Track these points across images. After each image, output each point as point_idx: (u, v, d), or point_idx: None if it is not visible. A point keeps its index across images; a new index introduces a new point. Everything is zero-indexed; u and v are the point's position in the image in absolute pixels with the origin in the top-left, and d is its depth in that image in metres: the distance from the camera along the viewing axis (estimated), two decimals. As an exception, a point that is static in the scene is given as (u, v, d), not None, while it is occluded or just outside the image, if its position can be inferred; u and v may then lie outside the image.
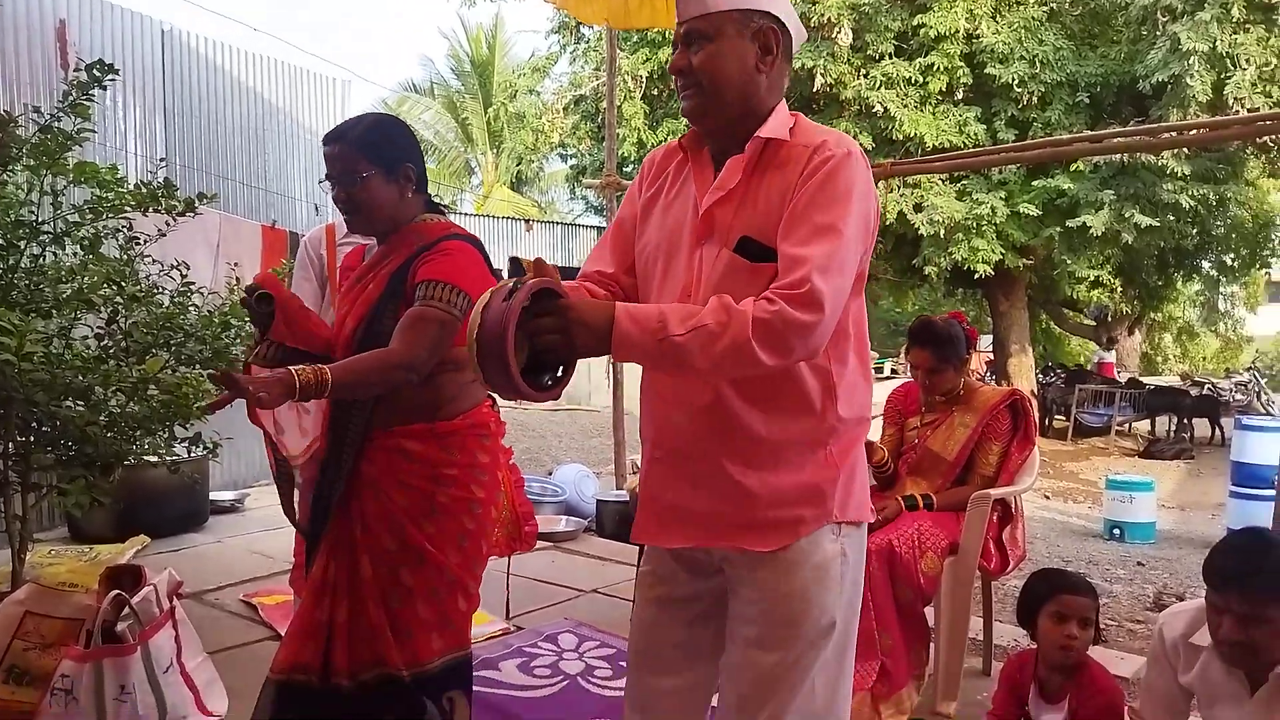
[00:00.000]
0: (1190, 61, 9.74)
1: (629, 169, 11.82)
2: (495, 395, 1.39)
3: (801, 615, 1.55)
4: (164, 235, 3.44)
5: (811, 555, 1.55)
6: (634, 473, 5.61)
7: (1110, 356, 20.04)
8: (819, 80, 11.32)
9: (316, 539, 2.09)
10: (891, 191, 11.25)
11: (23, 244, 3.22)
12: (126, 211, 3.35)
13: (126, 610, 2.46)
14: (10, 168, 3.17)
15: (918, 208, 11.53)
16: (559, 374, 1.46)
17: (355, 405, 2.04)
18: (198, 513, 5.34)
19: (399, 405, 2.01)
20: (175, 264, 3.52)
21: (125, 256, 3.43)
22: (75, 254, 3.39)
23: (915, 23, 11.23)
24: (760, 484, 1.54)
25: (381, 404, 2.02)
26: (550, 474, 6.71)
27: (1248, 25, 9.72)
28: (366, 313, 2.06)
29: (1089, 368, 19.77)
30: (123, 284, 3.28)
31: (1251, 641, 1.85)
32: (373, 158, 2.03)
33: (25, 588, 2.71)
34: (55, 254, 3.36)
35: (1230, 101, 9.72)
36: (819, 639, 1.56)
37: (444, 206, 2.24)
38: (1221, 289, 19.08)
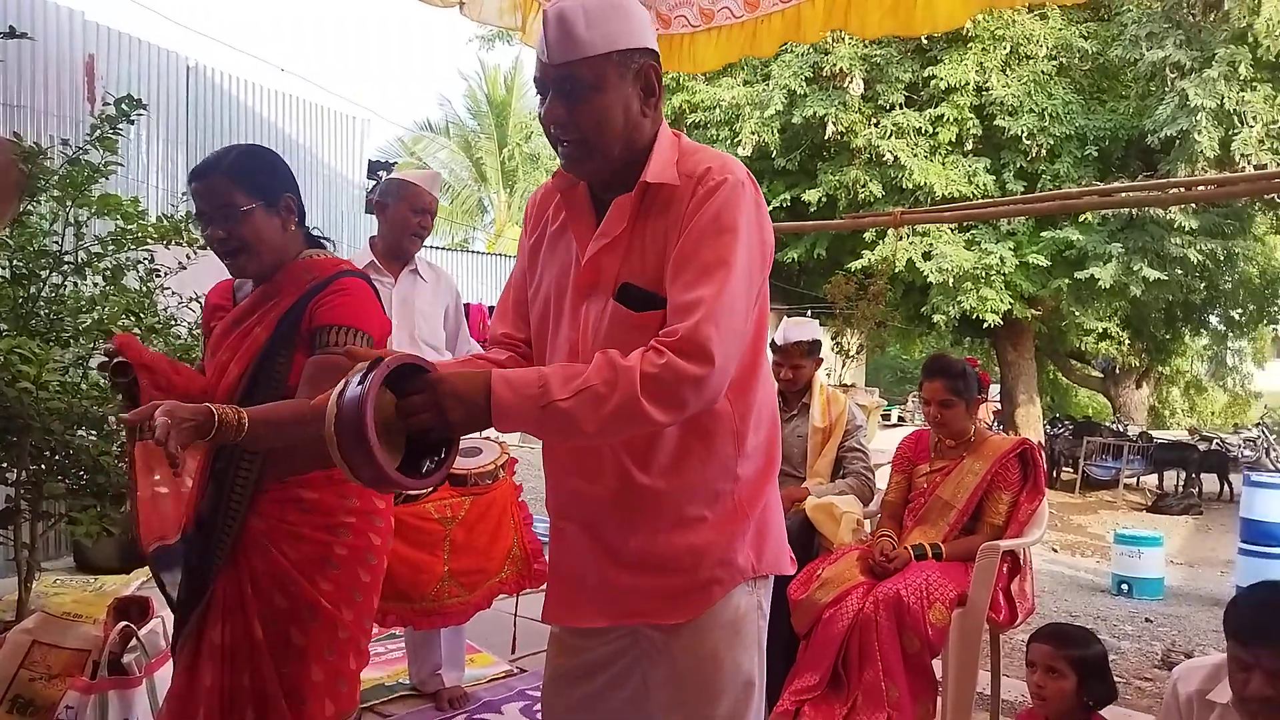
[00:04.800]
0: (1198, 118, 9.84)
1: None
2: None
3: (716, 678, 1.47)
4: (184, 268, 3.48)
5: (723, 614, 1.47)
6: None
7: None
8: (830, 128, 11.45)
9: (190, 605, 1.89)
10: (901, 239, 11.33)
11: (44, 273, 3.26)
12: (148, 244, 3.40)
13: (133, 642, 2.46)
14: (36, 198, 3.22)
15: (926, 256, 11.60)
16: (442, 456, 1.33)
17: (242, 459, 1.88)
18: (203, 545, 5.33)
19: (296, 454, 1.83)
20: (195, 296, 3.55)
21: (145, 288, 3.48)
22: (96, 285, 3.44)
23: (926, 74, 11.39)
24: (668, 549, 1.45)
25: (276, 454, 1.85)
26: (556, 514, 6.67)
27: (1255, 84, 9.85)
28: (254, 358, 1.88)
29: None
30: (141, 315, 3.32)
31: None
32: (251, 190, 1.86)
33: (34, 616, 2.71)
34: (76, 284, 3.40)
35: (1238, 158, 9.81)
36: (739, 701, 1.48)
37: (325, 239, 2.09)
38: (1229, 344, 19.10)
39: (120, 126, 3.29)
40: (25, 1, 4.96)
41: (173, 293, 3.62)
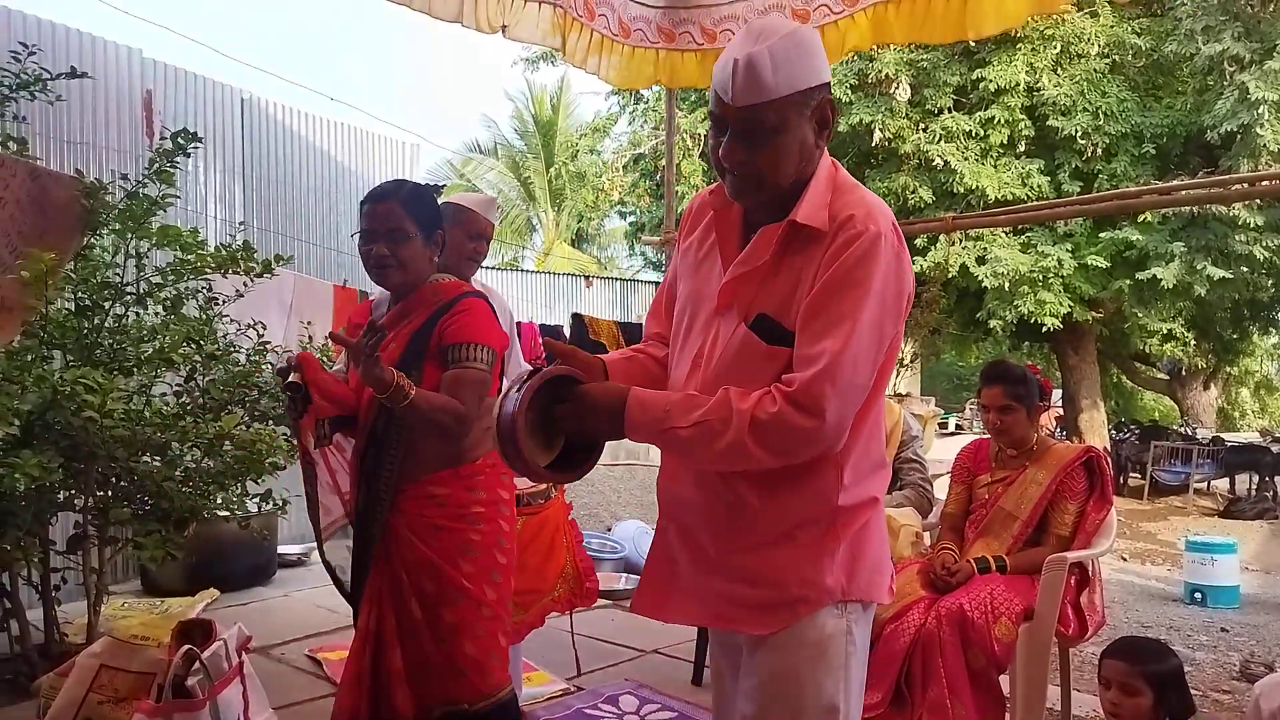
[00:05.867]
0: (1260, 111, 9.60)
1: (688, 225, 11.94)
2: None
3: (795, 696, 1.47)
4: (241, 296, 3.55)
5: (808, 634, 1.48)
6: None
7: None
8: (877, 135, 11.35)
9: (358, 590, 2.21)
10: (953, 244, 11.16)
11: (107, 304, 3.36)
12: (207, 273, 3.48)
13: (197, 665, 2.49)
14: (98, 232, 3.32)
15: (981, 260, 11.41)
16: (592, 453, 1.54)
17: (384, 461, 2.16)
18: (266, 567, 5.42)
19: (426, 457, 2.13)
20: (252, 323, 3.62)
21: (204, 316, 3.55)
22: (157, 314, 3.52)
23: (974, 77, 11.23)
24: (758, 562, 1.49)
25: (408, 458, 2.14)
26: (609, 530, 6.67)
27: (1320, 74, 9.55)
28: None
29: None
30: (201, 343, 3.39)
31: None
32: (419, 220, 2.18)
33: (101, 641, 2.77)
34: (138, 314, 3.49)
35: (1304, 151, 9.52)
36: None
37: (445, 266, 2.38)
38: (1301, 342, 18.45)
39: (177, 159, 3.37)
40: (85, 41, 5.11)
41: (231, 319, 3.69)
